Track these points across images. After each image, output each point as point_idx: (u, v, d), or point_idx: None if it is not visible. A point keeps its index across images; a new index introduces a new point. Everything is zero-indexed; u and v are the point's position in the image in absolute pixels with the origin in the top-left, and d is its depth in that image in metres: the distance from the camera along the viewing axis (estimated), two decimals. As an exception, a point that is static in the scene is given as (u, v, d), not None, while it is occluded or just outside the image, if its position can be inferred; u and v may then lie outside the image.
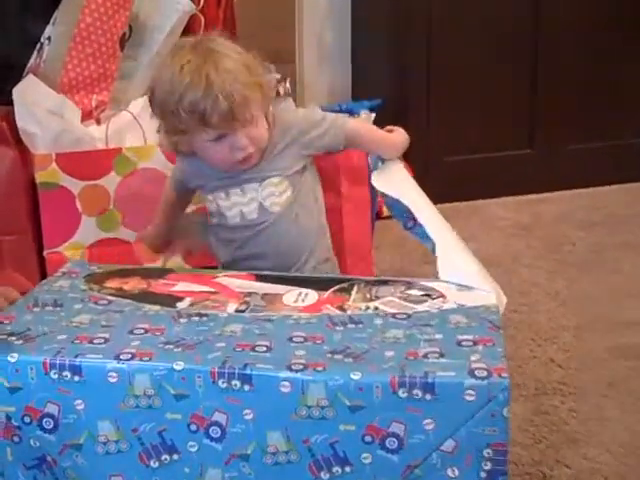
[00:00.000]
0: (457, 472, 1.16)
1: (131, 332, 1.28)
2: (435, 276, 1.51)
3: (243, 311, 1.37)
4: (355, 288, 1.46)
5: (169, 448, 1.20)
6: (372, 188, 2.36)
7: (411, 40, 2.96)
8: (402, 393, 1.15)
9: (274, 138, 1.65)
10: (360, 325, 1.31)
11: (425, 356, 1.20)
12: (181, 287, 1.46)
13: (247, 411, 1.18)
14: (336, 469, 1.17)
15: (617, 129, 3.25)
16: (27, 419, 1.21)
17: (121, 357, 1.20)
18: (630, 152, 3.27)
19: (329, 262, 1.72)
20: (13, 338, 1.27)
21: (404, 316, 1.34)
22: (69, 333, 1.28)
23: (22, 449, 1.22)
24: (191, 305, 1.39)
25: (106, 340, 1.26)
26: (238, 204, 1.65)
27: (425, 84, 2.97)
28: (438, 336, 1.27)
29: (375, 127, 1.84)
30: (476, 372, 1.15)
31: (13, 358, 1.21)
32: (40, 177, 2.07)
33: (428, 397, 1.15)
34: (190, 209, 1.86)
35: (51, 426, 1.21)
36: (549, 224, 2.89)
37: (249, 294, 1.44)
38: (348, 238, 2.11)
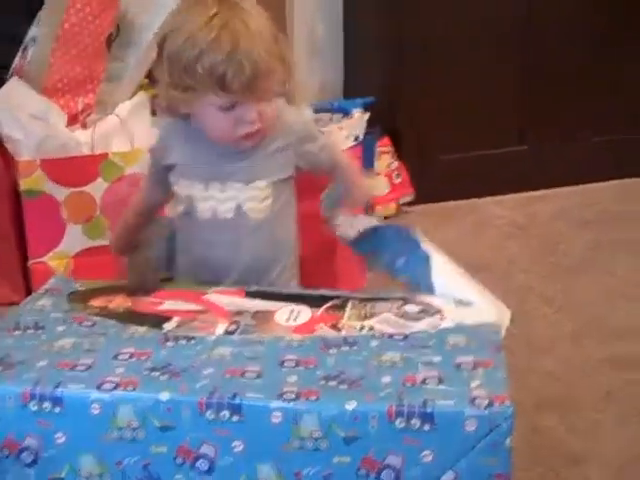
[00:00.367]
0: (457, 505, 1.11)
1: (115, 357, 1.23)
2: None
3: (233, 332, 1.31)
4: (349, 305, 1.40)
5: (155, 482, 1.15)
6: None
7: (405, 37, 2.90)
8: (399, 423, 1.10)
9: (273, 133, 1.53)
10: (355, 347, 1.25)
11: (423, 382, 1.15)
12: (168, 306, 1.41)
13: (236, 443, 1.13)
14: (329, 503, 1.12)
15: (611, 125, 3.20)
16: (5, 452, 1.15)
17: (104, 387, 1.15)
18: (624, 148, 3.22)
19: (293, 281, 1.63)
20: (-8, 365, 1.21)
21: (401, 337, 1.28)
22: (50, 358, 1.22)
23: (0, 484, 1.17)
24: (178, 326, 1.34)
25: (89, 367, 1.20)
26: (214, 199, 1.53)
27: (419, 81, 2.91)
28: (436, 359, 1.22)
29: (354, 163, 1.74)
30: (477, 401, 1.10)
31: (-9, 388, 1.15)
32: (24, 184, 2.02)
33: (427, 427, 1.09)
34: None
35: (31, 460, 1.15)
36: (544, 223, 2.83)
37: (239, 313, 1.38)
38: (341, 245, 2.06)
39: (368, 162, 2.30)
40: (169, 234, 1.65)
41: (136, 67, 2.29)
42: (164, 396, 1.13)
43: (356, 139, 2.22)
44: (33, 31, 2.18)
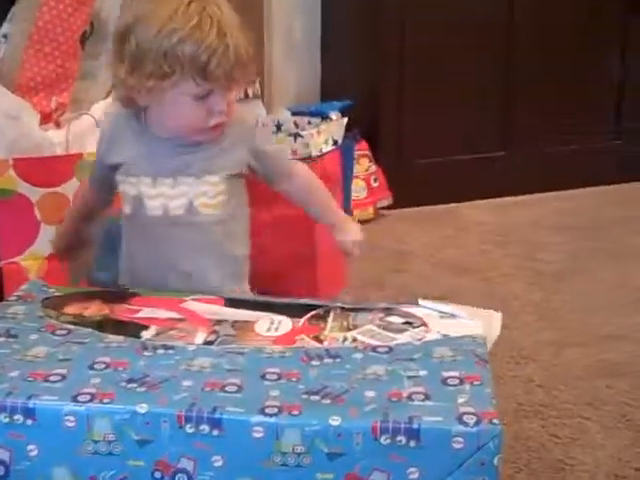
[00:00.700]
0: (443, 524, 1.08)
1: (91, 367, 1.19)
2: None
3: (212, 342, 1.28)
4: (331, 315, 1.37)
5: (131, 497, 1.11)
6: (345, 193, 2.30)
7: (383, 40, 2.88)
8: (384, 440, 1.06)
9: (227, 128, 1.48)
10: (338, 360, 1.22)
11: (409, 397, 1.12)
12: (146, 313, 1.37)
13: (216, 457, 1.09)
14: (311, 522, 1.08)
15: (591, 131, 3.22)
16: (-25, 466, 1.11)
17: (79, 399, 1.10)
18: (604, 155, 3.23)
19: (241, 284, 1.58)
20: (-38, 376, 1.16)
21: (385, 349, 1.25)
22: (23, 369, 1.18)
23: (-30, 498, 1.12)
24: (157, 334, 1.30)
25: (63, 377, 1.16)
26: (164, 195, 1.48)
27: (397, 85, 2.90)
28: (422, 373, 1.19)
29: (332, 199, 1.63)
30: (464, 417, 1.07)
31: (-40, 399, 1.11)
32: (-4, 184, 1.96)
33: (412, 444, 1.06)
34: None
35: (2, 473, 1.11)
36: (523, 229, 2.83)
37: (219, 322, 1.34)
38: (321, 247, 2.04)
39: (348, 166, 2.27)
40: (103, 233, 1.62)
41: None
42: (142, 408, 1.09)
43: (335, 143, 2.19)
44: (5, 28, 2.13)
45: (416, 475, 1.07)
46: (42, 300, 1.40)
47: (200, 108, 1.42)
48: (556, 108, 3.10)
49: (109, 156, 1.53)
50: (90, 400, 1.10)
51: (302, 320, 1.35)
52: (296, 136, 2.09)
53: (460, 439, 1.05)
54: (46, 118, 2.10)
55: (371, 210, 2.86)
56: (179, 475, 1.10)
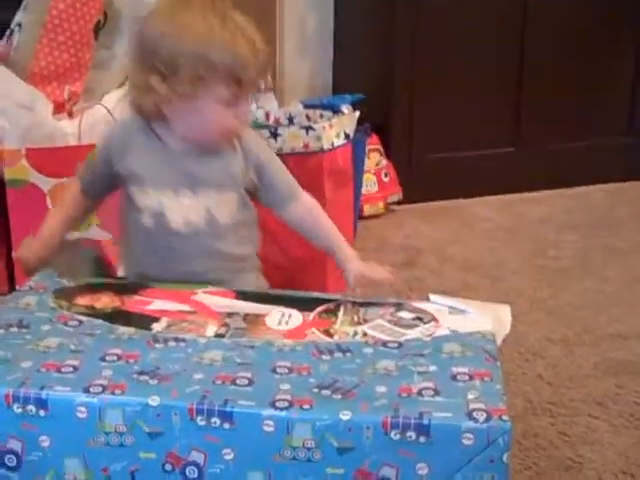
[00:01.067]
0: (452, 520, 1.08)
1: (103, 359, 1.19)
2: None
3: (223, 335, 1.28)
4: (341, 310, 1.38)
5: (142, 489, 1.11)
6: (356, 187, 2.30)
7: (395, 35, 2.88)
8: (395, 435, 1.07)
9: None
10: (348, 354, 1.23)
11: (419, 393, 1.12)
12: (157, 305, 1.37)
13: (227, 450, 1.09)
14: (321, 515, 1.09)
15: (601, 129, 3.21)
16: (-13, 455, 1.12)
17: (91, 390, 1.11)
18: (614, 152, 3.22)
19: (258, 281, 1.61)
20: (-27, 365, 1.17)
21: (395, 345, 1.25)
22: (35, 359, 1.18)
23: (-18, 487, 1.13)
24: (168, 327, 1.30)
25: (75, 368, 1.16)
26: (184, 206, 1.49)
27: (409, 80, 2.89)
28: (432, 368, 1.19)
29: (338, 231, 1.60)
30: (474, 414, 1.07)
31: (-29, 389, 1.11)
32: (8, 174, 1.97)
33: (422, 440, 1.07)
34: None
35: (14, 464, 1.11)
36: (533, 225, 2.83)
37: (229, 315, 1.35)
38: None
39: (359, 160, 2.27)
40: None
41: (124, 56, 2.25)
42: (154, 401, 1.09)
43: (347, 137, 2.18)
44: (19, 17, 2.14)
45: (425, 471, 1.07)
46: (54, 291, 1.41)
47: (229, 113, 1.46)
48: (566, 105, 3.09)
49: (120, 164, 1.52)
50: (102, 392, 1.11)
51: (313, 314, 1.35)
52: (308, 129, 2.09)
53: (470, 435, 1.06)
54: (59, 108, 2.11)
55: (381, 205, 2.86)
56: (189, 467, 1.10)
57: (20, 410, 1.10)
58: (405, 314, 1.37)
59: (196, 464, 1.10)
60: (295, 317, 1.34)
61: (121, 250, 1.63)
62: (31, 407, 1.10)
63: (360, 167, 2.32)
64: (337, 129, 2.16)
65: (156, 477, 1.11)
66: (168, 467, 1.10)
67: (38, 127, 2.00)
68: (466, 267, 2.45)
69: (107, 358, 1.19)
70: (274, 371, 1.17)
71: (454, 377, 1.17)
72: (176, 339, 1.25)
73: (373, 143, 2.83)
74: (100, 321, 1.30)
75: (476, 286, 2.32)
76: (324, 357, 1.22)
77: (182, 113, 1.46)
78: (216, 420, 1.09)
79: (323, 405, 1.09)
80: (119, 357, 1.20)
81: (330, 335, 1.29)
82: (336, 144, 2.14)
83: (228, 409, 1.09)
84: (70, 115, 2.12)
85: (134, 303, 1.38)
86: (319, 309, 1.37)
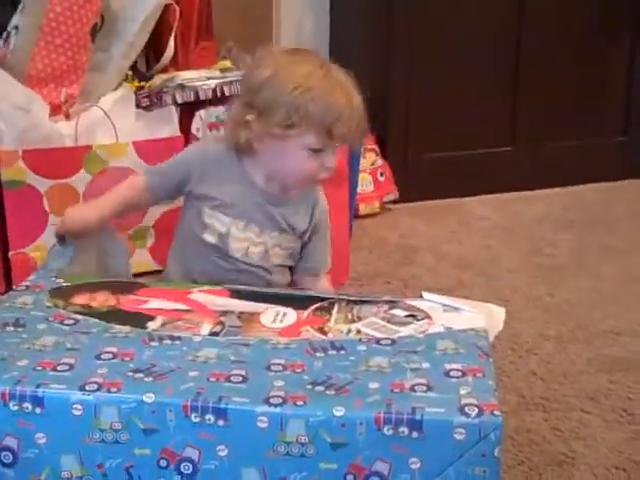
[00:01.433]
0: (444, 514, 1.09)
1: (98, 357, 1.20)
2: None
3: (218, 333, 1.29)
4: (335, 307, 1.39)
5: (137, 485, 1.12)
6: (351, 187, 2.30)
7: (392, 35, 2.88)
8: (387, 430, 1.08)
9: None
10: (342, 352, 1.24)
11: (412, 389, 1.14)
12: (153, 304, 1.38)
13: (221, 447, 1.11)
14: (315, 510, 1.10)
15: (598, 128, 3.21)
16: (-17, 453, 1.13)
17: (87, 387, 1.12)
18: (610, 151, 3.23)
19: None
20: (-31, 364, 1.18)
21: (389, 342, 1.27)
22: (31, 358, 1.19)
23: (-22, 484, 1.14)
24: (163, 325, 1.32)
25: (71, 366, 1.18)
26: (248, 241, 1.60)
27: (405, 80, 2.90)
28: (425, 365, 1.20)
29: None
30: (466, 409, 1.08)
31: (-32, 387, 1.12)
32: (5, 175, 1.99)
33: (415, 435, 1.08)
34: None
35: (10, 460, 1.13)
36: (529, 224, 2.83)
37: (224, 313, 1.36)
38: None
39: (355, 160, 2.27)
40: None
41: (120, 58, 2.27)
42: (149, 398, 1.11)
43: (343, 137, 2.19)
44: (16, 19, 2.15)
45: (417, 465, 1.09)
46: (50, 290, 1.42)
47: (314, 161, 1.53)
48: (562, 104, 3.10)
49: (196, 185, 1.60)
50: (97, 389, 1.12)
51: (307, 312, 1.37)
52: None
53: (462, 430, 1.07)
54: (56, 110, 2.12)
55: (377, 204, 2.86)
56: (184, 464, 1.11)
57: (16, 408, 1.11)
58: (399, 312, 1.38)
59: (191, 460, 1.11)
60: (290, 315, 1.36)
61: (172, 249, 1.68)
62: (27, 405, 1.11)
63: (355, 167, 2.33)
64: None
65: (151, 473, 1.12)
66: (163, 463, 1.11)
67: (35, 129, 2.02)
68: (462, 265, 2.46)
69: (102, 356, 1.20)
70: (268, 368, 1.19)
71: (447, 373, 1.18)
72: (171, 337, 1.27)
73: (368, 143, 2.83)
74: (96, 320, 1.31)
75: (472, 284, 2.33)
76: (318, 354, 1.23)
77: (271, 152, 1.55)
78: (210, 417, 1.10)
79: (317, 401, 1.11)
80: (114, 355, 1.21)
81: (324, 333, 1.30)
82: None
83: (222, 406, 1.10)
84: (67, 117, 2.13)
85: (130, 302, 1.39)
86: (313, 307, 1.38)
